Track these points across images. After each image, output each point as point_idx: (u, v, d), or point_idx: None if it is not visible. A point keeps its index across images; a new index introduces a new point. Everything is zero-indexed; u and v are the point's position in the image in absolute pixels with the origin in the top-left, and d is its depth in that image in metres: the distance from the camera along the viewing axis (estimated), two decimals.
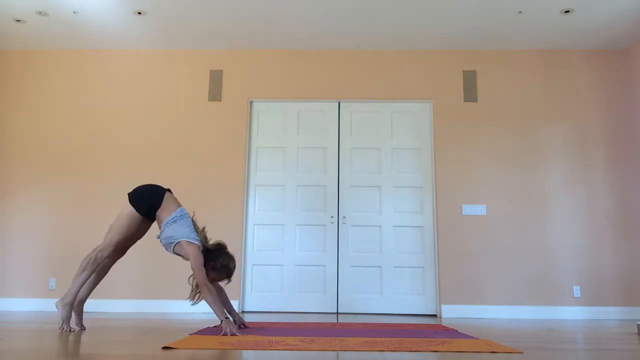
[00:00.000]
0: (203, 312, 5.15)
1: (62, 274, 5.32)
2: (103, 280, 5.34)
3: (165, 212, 3.24)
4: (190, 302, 3.24)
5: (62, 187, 5.50)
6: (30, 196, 5.49)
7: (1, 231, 5.44)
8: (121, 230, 3.25)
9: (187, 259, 3.18)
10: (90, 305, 5.23)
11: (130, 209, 3.24)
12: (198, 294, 3.23)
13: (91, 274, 3.25)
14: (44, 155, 5.57)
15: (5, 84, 5.72)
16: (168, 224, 3.21)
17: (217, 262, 3.21)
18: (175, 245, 3.19)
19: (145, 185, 3.37)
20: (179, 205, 3.31)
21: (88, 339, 2.76)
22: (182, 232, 3.18)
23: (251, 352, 2.31)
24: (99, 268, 3.34)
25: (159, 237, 3.27)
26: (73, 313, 3.32)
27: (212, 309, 3.05)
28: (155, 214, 3.27)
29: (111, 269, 5.37)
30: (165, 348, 2.41)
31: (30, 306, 5.27)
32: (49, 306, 5.25)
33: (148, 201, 3.26)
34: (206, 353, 2.24)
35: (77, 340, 2.70)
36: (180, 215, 3.24)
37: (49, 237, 5.41)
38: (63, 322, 3.17)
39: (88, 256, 3.25)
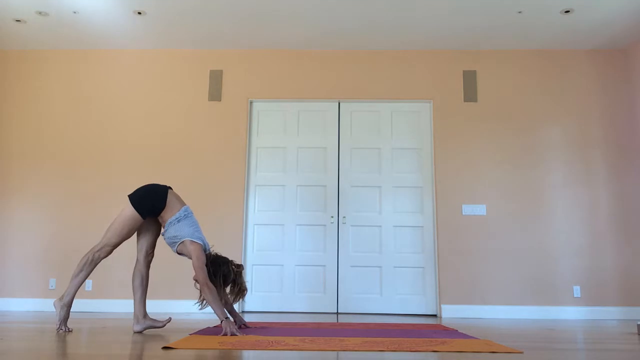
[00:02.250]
0: (203, 312, 5.15)
1: (62, 274, 5.32)
2: (103, 279, 5.37)
3: (169, 212, 3.23)
4: (199, 307, 3.22)
5: (62, 187, 5.50)
6: (30, 196, 5.49)
7: (1, 231, 5.44)
8: (121, 232, 3.22)
9: (190, 258, 3.19)
10: (90, 305, 5.24)
11: (131, 211, 3.21)
12: (235, 297, 3.28)
13: (88, 274, 3.23)
14: (43, 155, 5.57)
15: (5, 84, 5.72)
16: (172, 224, 3.21)
17: (217, 272, 3.24)
18: (179, 244, 3.20)
19: (146, 186, 3.33)
20: (182, 203, 3.30)
21: (88, 339, 2.76)
22: (186, 232, 3.19)
23: (251, 352, 2.31)
24: (140, 280, 3.29)
25: (163, 234, 3.28)
26: (145, 323, 3.26)
27: (213, 308, 3.06)
28: (159, 215, 3.26)
29: (111, 269, 5.39)
30: (165, 348, 2.41)
31: (30, 306, 5.27)
32: (49, 306, 5.25)
33: (151, 204, 3.23)
34: (206, 353, 2.24)
35: (77, 340, 2.70)
36: (185, 214, 3.24)
37: (49, 237, 5.41)
38: (60, 322, 3.16)
39: (85, 257, 3.22)
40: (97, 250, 3.22)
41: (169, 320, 3.29)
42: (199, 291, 3.26)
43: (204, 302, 3.17)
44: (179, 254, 3.25)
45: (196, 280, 3.18)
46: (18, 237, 5.42)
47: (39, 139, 5.60)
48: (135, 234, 3.35)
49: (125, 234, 3.22)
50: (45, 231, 5.42)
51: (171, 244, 3.23)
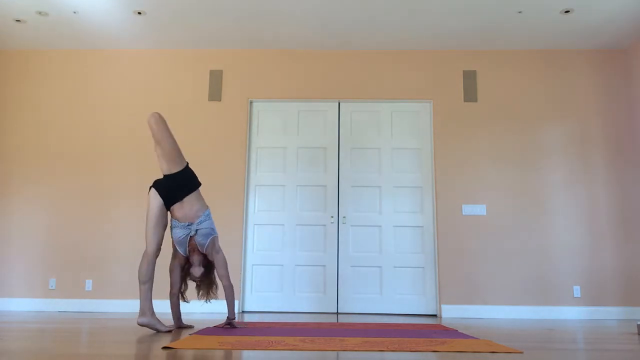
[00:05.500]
0: (202, 312, 5.15)
1: (62, 274, 5.32)
2: (103, 279, 5.36)
3: (203, 203, 3.41)
4: (206, 301, 3.43)
5: (62, 187, 5.50)
6: (30, 196, 5.49)
7: (1, 231, 5.44)
8: (165, 145, 3.36)
9: (210, 255, 3.35)
10: (90, 305, 5.24)
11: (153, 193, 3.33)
12: (208, 294, 3.43)
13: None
14: (43, 155, 5.57)
15: (5, 84, 5.72)
16: (209, 217, 3.39)
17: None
18: (211, 238, 3.35)
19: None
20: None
21: (88, 339, 2.76)
22: (216, 230, 3.46)
23: (251, 352, 2.31)
24: (151, 273, 3.28)
25: (189, 225, 3.32)
26: (151, 320, 3.20)
27: (232, 305, 3.30)
28: (187, 193, 3.32)
29: (111, 269, 5.39)
30: (165, 348, 2.41)
31: (30, 306, 5.27)
32: (49, 306, 5.25)
33: (188, 177, 3.37)
34: (206, 353, 2.24)
35: (77, 340, 2.70)
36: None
37: (49, 237, 5.41)
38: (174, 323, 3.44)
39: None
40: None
41: (173, 327, 3.30)
42: (199, 288, 3.44)
43: (212, 295, 3.42)
44: (203, 249, 3.35)
45: (199, 279, 3.37)
46: (18, 237, 5.42)
47: (39, 139, 5.60)
48: (147, 226, 3.28)
49: (167, 146, 3.31)
50: (46, 231, 5.42)
51: (205, 235, 3.33)
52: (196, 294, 3.48)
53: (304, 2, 4.80)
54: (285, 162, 5.60)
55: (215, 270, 3.43)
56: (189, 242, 3.34)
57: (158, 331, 3.19)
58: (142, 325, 3.18)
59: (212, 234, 3.36)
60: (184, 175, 3.34)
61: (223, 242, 5.30)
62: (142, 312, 3.20)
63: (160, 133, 3.26)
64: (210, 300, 3.47)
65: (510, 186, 5.42)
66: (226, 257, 5.26)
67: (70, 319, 4.17)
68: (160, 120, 3.28)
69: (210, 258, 3.38)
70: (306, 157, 5.60)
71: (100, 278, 5.30)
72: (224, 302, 5.10)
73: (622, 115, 5.52)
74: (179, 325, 3.47)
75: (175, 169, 3.31)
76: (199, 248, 3.35)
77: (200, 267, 3.35)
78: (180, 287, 3.48)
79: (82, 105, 5.67)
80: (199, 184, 3.43)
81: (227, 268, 3.35)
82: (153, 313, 3.23)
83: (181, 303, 4.94)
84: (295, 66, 5.71)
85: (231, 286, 3.33)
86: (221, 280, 3.33)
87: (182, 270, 3.46)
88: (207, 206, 3.43)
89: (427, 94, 5.63)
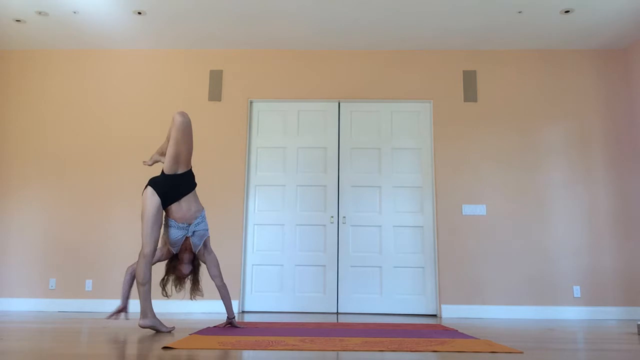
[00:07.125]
0: (202, 312, 5.15)
1: (62, 274, 5.32)
2: (103, 279, 5.36)
3: (200, 204, 3.44)
4: (192, 299, 3.46)
5: (62, 187, 5.50)
6: (30, 196, 5.49)
7: (1, 231, 5.44)
8: (174, 144, 3.36)
9: (201, 255, 3.40)
10: (90, 305, 5.24)
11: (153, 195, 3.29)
12: (194, 292, 3.45)
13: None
14: (44, 155, 5.57)
15: (5, 84, 5.72)
16: (205, 218, 3.44)
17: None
18: (205, 239, 3.42)
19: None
20: None
21: (88, 339, 2.76)
22: (209, 230, 3.57)
23: (251, 352, 2.31)
24: (149, 274, 3.26)
25: (187, 226, 3.34)
26: (153, 321, 3.18)
27: (230, 305, 3.41)
28: (185, 193, 3.35)
29: (111, 269, 5.39)
30: (165, 348, 2.41)
31: (30, 306, 5.27)
32: (49, 306, 5.25)
33: (188, 178, 3.37)
34: (206, 353, 2.24)
35: (77, 340, 2.70)
36: None
37: (49, 237, 5.41)
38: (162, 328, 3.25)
39: None
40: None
41: (173, 328, 3.29)
42: (191, 284, 3.45)
43: (198, 293, 3.44)
44: (197, 249, 3.38)
45: (186, 276, 3.42)
46: (18, 237, 5.42)
47: (39, 139, 5.60)
48: (144, 225, 3.26)
49: (184, 148, 3.36)
50: (46, 231, 5.42)
51: (202, 237, 3.39)
52: (163, 291, 3.43)
53: (304, 2, 4.80)
54: (285, 162, 5.60)
55: (200, 270, 3.49)
56: (184, 241, 3.37)
57: (160, 332, 3.18)
58: (144, 327, 3.17)
59: (206, 234, 3.44)
60: (187, 176, 3.36)
61: (223, 242, 5.30)
62: (143, 314, 3.18)
63: (187, 133, 3.32)
64: (195, 298, 3.50)
65: (510, 186, 5.42)
66: (226, 257, 5.26)
67: (70, 319, 4.17)
68: (189, 122, 3.34)
69: (201, 259, 3.44)
70: (306, 157, 5.60)
71: (100, 278, 5.30)
72: (222, 302, 5.10)
73: (622, 115, 5.51)
74: (125, 305, 3.42)
75: (181, 170, 3.35)
76: (193, 248, 3.39)
77: (189, 265, 3.42)
78: (163, 280, 3.44)
79: (82, 105, 5.67)
80: (196, 185, 3.47)
81: (219, 268, 3.42)
82: (154, 314, 3.22)
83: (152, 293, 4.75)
84: (295, 66, 5.71)
85: (225, 285, 3.39)
86: (214, 281, 3.41)
87: (169, 264, 3.46)
88: (203, 207, 3.47)
89: (427, 94, 5.63)
